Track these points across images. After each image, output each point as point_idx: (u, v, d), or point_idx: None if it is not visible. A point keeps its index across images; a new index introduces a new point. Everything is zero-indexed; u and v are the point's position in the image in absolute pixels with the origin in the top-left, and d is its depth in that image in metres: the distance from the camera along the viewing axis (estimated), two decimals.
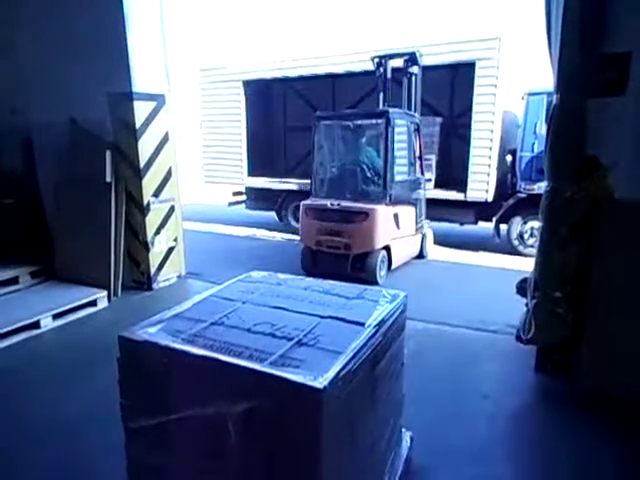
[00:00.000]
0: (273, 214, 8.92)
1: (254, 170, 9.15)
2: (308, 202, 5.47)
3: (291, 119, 9.76)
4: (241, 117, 8.92)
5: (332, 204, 5.17)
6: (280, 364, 1.32)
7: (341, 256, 5.14)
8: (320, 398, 1.19)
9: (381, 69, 6.25)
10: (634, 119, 2.55)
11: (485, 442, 2.43)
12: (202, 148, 9.74)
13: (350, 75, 7.71)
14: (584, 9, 2.52)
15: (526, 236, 6.62)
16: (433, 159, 7.17)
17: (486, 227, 7.20)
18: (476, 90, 6.58)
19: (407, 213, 5.72)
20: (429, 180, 6.72)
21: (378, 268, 5.10)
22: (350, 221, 5.07)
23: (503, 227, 6.80)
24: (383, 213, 5.08)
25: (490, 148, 6.61)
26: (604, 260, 2.69)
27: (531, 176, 6.40)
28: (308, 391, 1.20)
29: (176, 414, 1.43)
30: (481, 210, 7.04)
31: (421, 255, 6.30)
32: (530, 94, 6.42)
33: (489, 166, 6.64)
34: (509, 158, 6.98)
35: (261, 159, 9.40)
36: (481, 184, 6.74)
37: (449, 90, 8.17)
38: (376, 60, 6.28)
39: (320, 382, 1.21)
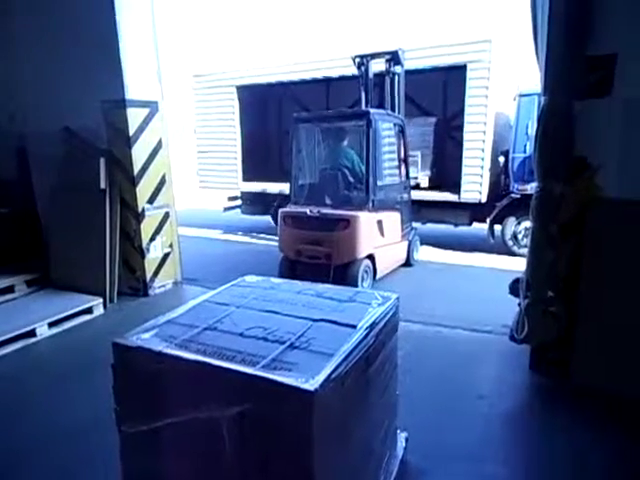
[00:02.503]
0: (269, 218, 8.94)
1: (249, 175, 9.15)
2: (286, 209, 5.22)
3: (286, 123, 9.77)
4: (235, 122, 8.94)
5: (312, 211, 4.86)
6: (272, 367, 1.33)
7: (322, 266, 4.79)
8: (311, 400, 1.21)
9: (363, 69, 6.05)
10: (621, 120, 2.59)
11: (481, 442, 2.44)
12: (197, 154, 9.75)
13: (344, 79, 7.73)
14: (569, 11, 2.55)
15: (520, 236, 6.64)
16: (419, 155, 7.08)
17: (480, 228, 7.23)
18: (468, 92, 6.61)
19: (392, 219, 5.42)
20: (415, 178, 6.50)
21: (360, 278, 4.80)
22: (331, 229, 4.77)
23: (497, 228, 6.83)
24: (366, 220, 4.80)
25: (483, 149, 6.64)
26: (594, 259, 2.72)
27: (524, 177, 6.42)
28: (299, 393, 1.22)
29: (170, 419, 1.44)
30: (475, 211, 7.07)
31: (408, 263, 6.01)
32: (522, 95, 6.46)
33: (482, 167, 6.67)
34: (502, 159, 7.03)
35: (256, 164, 9.40)
36: (474, 185, 6.77)
37: (442, 93, 8.23)
38: (357, 60, 6.01)
39: (311, 384, 1.23)
